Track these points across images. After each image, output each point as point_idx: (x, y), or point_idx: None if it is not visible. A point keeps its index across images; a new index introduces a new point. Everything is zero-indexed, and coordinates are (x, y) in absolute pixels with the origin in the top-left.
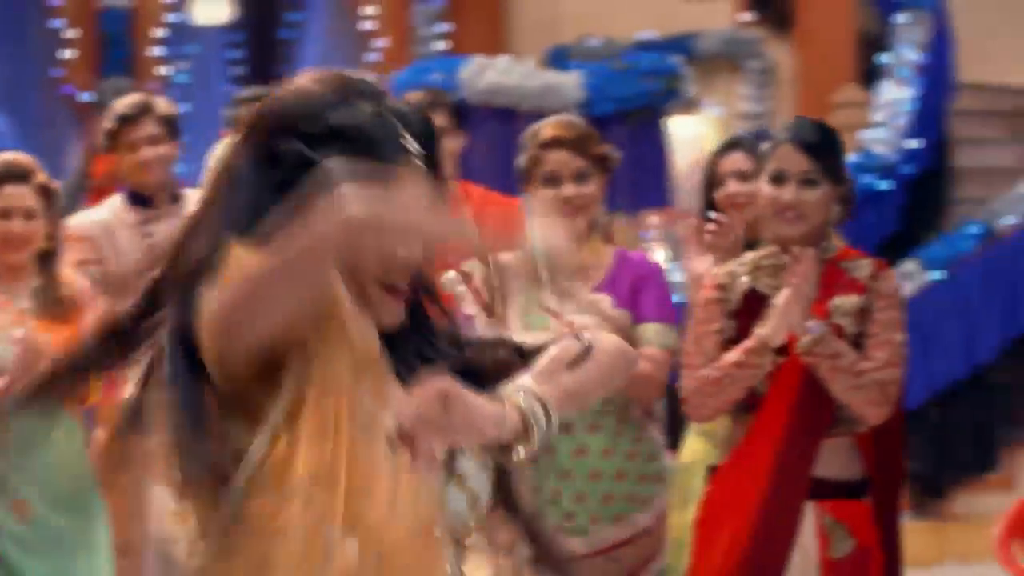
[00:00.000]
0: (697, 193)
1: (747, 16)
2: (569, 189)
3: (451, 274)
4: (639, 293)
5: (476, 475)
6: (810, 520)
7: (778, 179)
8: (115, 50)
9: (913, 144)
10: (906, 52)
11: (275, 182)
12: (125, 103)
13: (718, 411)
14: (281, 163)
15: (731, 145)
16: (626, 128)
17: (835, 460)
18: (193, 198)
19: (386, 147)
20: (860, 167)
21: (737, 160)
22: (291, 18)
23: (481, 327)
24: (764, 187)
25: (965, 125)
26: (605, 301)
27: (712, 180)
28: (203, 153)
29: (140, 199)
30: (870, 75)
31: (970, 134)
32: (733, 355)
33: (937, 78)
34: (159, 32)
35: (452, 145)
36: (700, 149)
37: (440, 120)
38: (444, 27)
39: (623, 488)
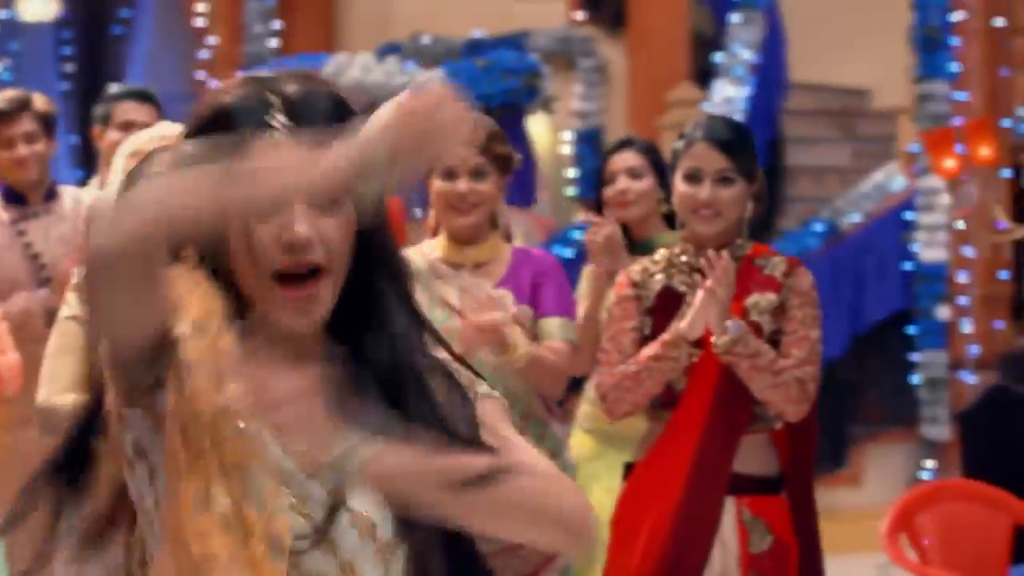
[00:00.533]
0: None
1: (580, 15)
2: (463, 185)
3: None
4: (540, 288)
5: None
6: (730, 515)
7: (693, 177)
8: None
9: None
10: (740, 51)
11: None
12: (2, 98)
13: (636, 407)
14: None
15: (623, 144)
16: None
17: (753, 456)
18: (69, 195)
19: (247, 123)
20: None
21: (628, 158)
22: (122, 15)
23: None
24: (679, 186)
25: (796, 124)
26: (508, 297)
27: (603, 178)
28: None
29: (15, 197)
30: (704, 74)
31: (802, 133)
32: (649, 349)
33: (770, 77)
34: None
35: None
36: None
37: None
38: (276, 24)
39: None
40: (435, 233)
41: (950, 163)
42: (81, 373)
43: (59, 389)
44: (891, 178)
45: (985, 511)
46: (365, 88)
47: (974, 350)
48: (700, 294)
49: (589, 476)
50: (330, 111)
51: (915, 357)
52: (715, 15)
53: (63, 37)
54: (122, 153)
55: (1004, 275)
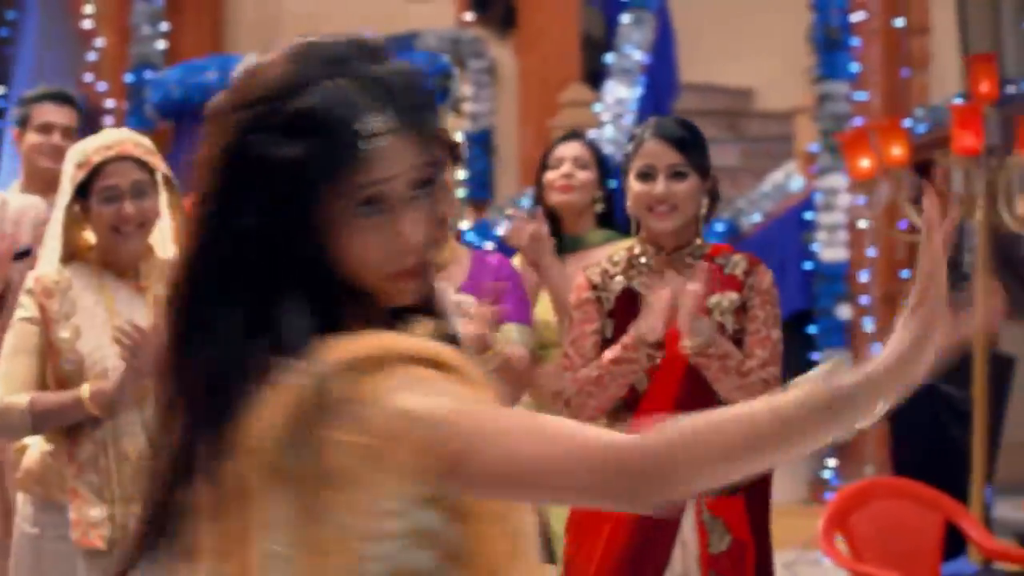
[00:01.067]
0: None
1: (469, 16)
2: None
3: None
4: (499, 296)
5: None
6: (689, 515)
7: (646, 175)
8: None
9: None
10: (631, 52)
11: (263, 201)
12: None
13: (600, 411)
14: (256, 172)
15: (571, 136)
16: None
17: None
18: None
19: (349, 128)
20: None
21: (575, 147)
22: (7, 16)
23: None
24: (633, 186)
25: None
26: (469, 301)
27: (545, 164)
28: None
29: None
30: (595, 75)
31: None
32: (611, 352)
33: (661, 78)
34: None
35: None
36: None
37: None
38: (164, 26)
39: None
40: None
41: (865, 163)
42: (37, 374)
43: (13, 389)
44: (789, 178)
45: (917, 509)
46: None
47: (876, 349)
48: (658, 295)
49: None
50: (426, 100)
51: (816, 356)
52: (605, 16)
53: None
54: (70, 161)
55: (905, 274)
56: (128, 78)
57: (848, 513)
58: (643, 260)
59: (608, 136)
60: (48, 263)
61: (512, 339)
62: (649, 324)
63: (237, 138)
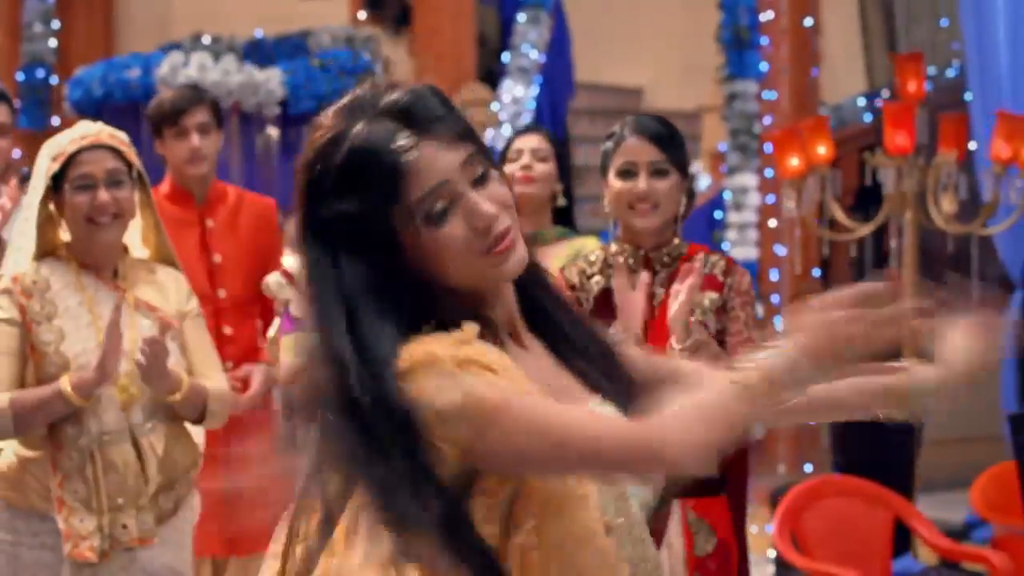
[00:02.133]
0: None
1: (362, 15)
2: None
3: (275, 276)
4: None
5: None
6: (675, 518)
7: (627, 173)
8: None
9: None
10: (528, 51)
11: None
12: None
13: None
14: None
15: (531, 128)
16: None
17: None
18: None
19: (383, 156)
20: None
21: (535, 139)
22: None
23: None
24: (614, 184)
25: (577, 124)
26: None
27: (505, 156)
28: None
29: None
30: (490, 74)
31: (581, 132)
32: None
33: (557, 77)
34: None
35: (213, 143)
36: None
37: (201, 117)
38: (55, 24)
39: None
40: None
41: (795, 162)
42: (17, 376)
43: None
44: (697, 177)
45: (866, 506)
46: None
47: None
48: (628, 298)
49: None
50: (439, 106)
51: None
52: (500, 15)
53: None
54: (43, 155)
55: (816, 273)
56: (19, 76)
57: (800, 511)
58: (621, 259)
59: (506, 135)
60: (22, 261)
61: None
62: (625, 327)
63: (306, 210)
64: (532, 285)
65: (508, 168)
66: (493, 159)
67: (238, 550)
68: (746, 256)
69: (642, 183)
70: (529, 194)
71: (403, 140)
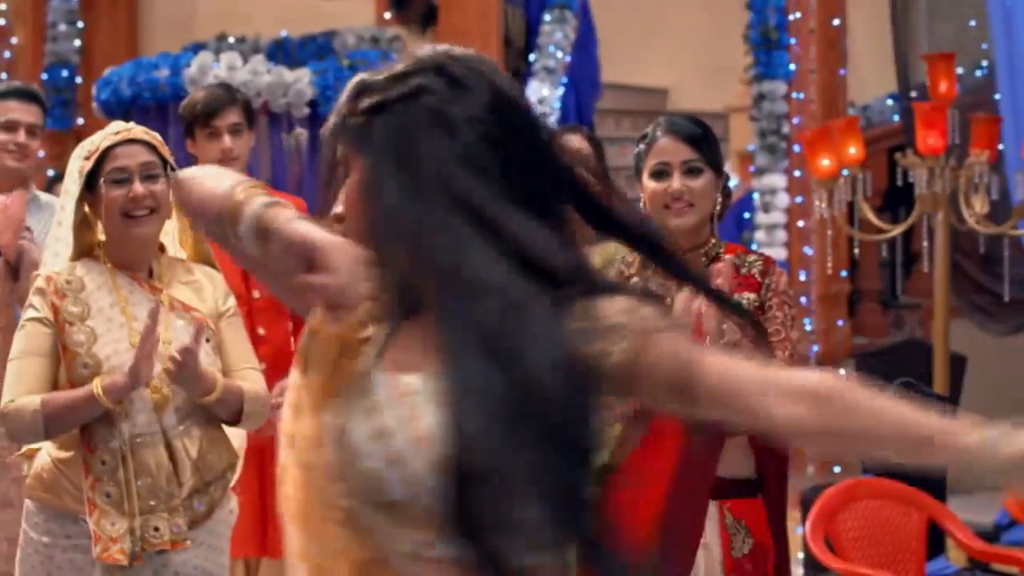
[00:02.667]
0: None
1: (388, 15)
2: None
3: None
4: None
5: None
6: (713, 519)
7: (661, 173)
8: None
9: None
10: (554, 51)
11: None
12: None
13: (618, 412)
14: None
15: (573, 128)
16: None
17: (732, 459)
18: None
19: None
20: None
21: (575, 140)
22: None
23: None
24: (648, 184)
25: (602, 124)
26: None
27: None
28: None
29: None
30: (516, 75)
31: (606, 133)
32: None
33: (584, 77)
34: None
35: (245, 143)
36: None
37: (233, 117)
38: (79, 24)
39: None
40: None
41: (826, 162)
42: (50, 377)
43: (25, 392)
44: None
45: (900, 508)
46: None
47: (815, 349)
48: (680, 299)
49: None
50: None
51: None
52: (525, 16)
53: None
54: (76, 156)
55: (844, 273)
56: (44, 76)
57: (834, 513)
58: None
59: None
60: (57, 262)
61: None
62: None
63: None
64: None
65: None
66: None
67: (271, 551)
68: (775, 257)
69: (676, 182)
70: None
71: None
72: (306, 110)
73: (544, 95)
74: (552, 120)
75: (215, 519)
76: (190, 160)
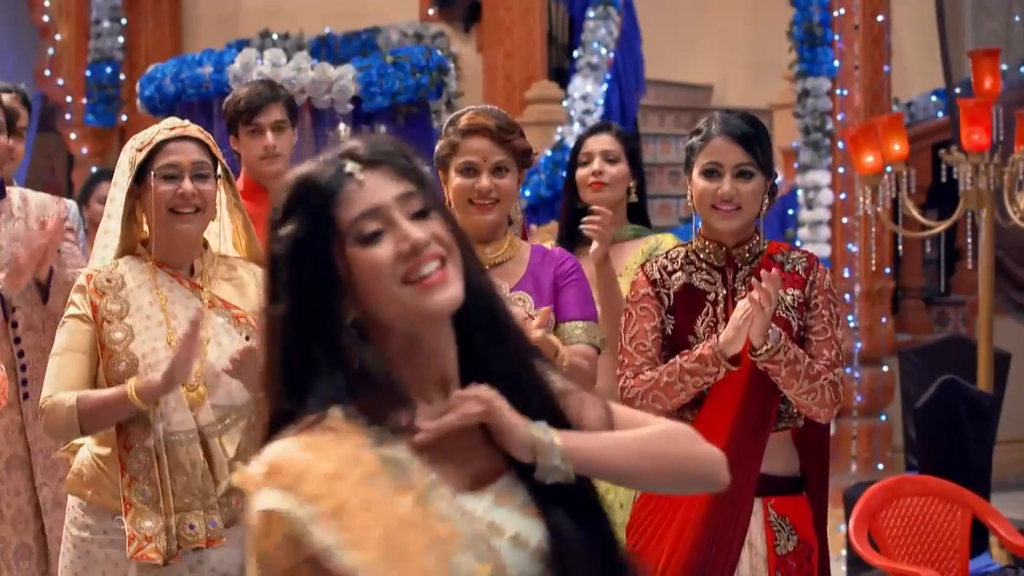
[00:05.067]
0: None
1: (432, 11)
2: (485, 180)
3: None
4: (562, 291)
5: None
6: (757, 516)
7: (712, 173)
8: None
9: None
10: (597, 48)
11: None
12: None
13: (664, 413)
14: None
15: (600, 127)
16: (396, 122)
17: (776, 456)
18: (16, 193)
19: (329, 179)
20: (556, 163)
21: (605, 141)
22: None
23: None
24: (697, 182)
25: (646, 120)
26: (527, 301)
27: (576, 159)
28: None
29: None
30: (558, 72)
31: (650, 129)
32: (687, 363)
33: (627, 74)
34: None
35: (287, 140)
36: None
37: (276, 115)
38: (122, 21)
39: None
40: None
41: (871, 159)
42: (88, 374)
43: (62, 388)
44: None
45: (944, 505)
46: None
47: (858, 345)
48: (738, 309)
49: None
50: (389, 146)
51: None
52: (569, 12)
53: None
54: (128, 148)
55: (888, 270)
56: (87, 73)
57: (877, 510)
58: (703, 256)
59: (574, 132)
60: (107, 254)
61: (576, 337)
62: (730, 337)
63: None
64: (482, 334)
65: (580, 173)
66: (439, 203)
67: None
68: (818, 253)
69: (726, 185)
70: (602, 199)
71: (349, 167)
72: (349, 106)
73: (588, 91)
74: (596, 116)
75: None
76: (233, 157)
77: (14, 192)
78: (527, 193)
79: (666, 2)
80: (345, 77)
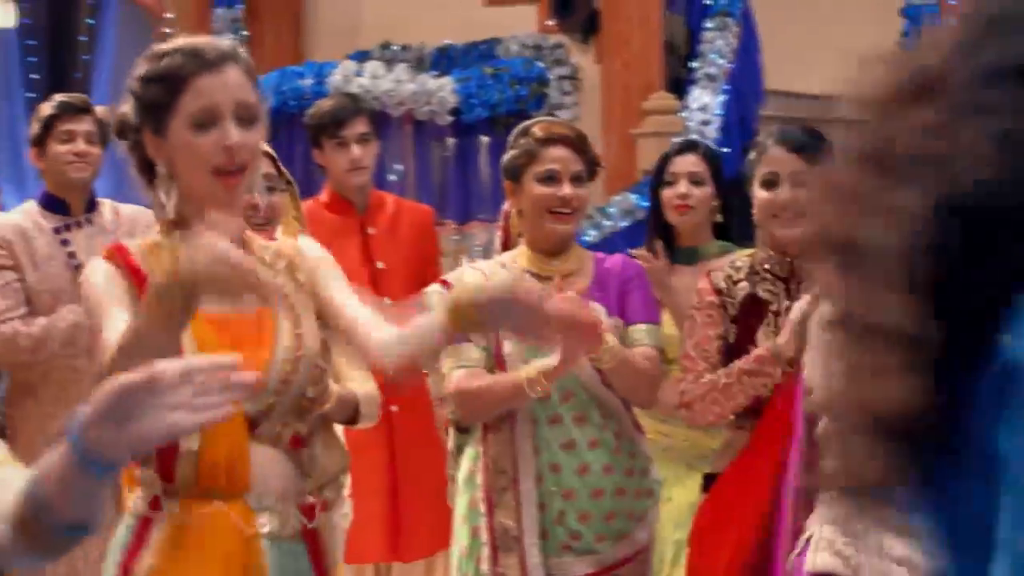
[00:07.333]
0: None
1: (551, 23)
2: (567, 189)
3: (435, 287)
4: (626, 296)
5: None
6: None
7: (770, 183)
8: None
9: (724, 151)
10: (715, 59)
11: None
12: (65, 96)
13: (722, 417)
14: None
15: (687, 146)
16: (496, 134)
17: None
18: (108, 207)
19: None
20: None
21: (691, 162)
22: (86, 22)
23: (474, 339)
24: (758, 193)
25: (766, 131)
26: (598, 310)
27: (662, 177)
28: None
29: (56, 204)
30: (676, 82)
31: None
32: (744, 364)
33: (746, 84)
34: None
35: (371, 152)
36: None
37: (360, 127)
38: (243, 33)
39: (623, 505)
40: (506, 245)
41: None
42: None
43: None
44: None
45: None
46: (375, 95)
47: None
48: (794, 310)
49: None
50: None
51: None
52: (687, 23)
53: (27, 45)
54: None
55: None
56: None
57: None
58: (767, 266)
59: None
60: None
61: (639, 340)
62: (787, 339)
63: None
64: None
65: (665, 193)
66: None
67: (402, 556)
68: None
69: (784, 193)
70: (686, 221)
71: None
72: (449, 118)
73: (705, 102)
74: (714, 127)
75: (327, 522)
76: (317, 169)
77: (105, 205)
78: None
79: (785, 12)
80: (444, 89)
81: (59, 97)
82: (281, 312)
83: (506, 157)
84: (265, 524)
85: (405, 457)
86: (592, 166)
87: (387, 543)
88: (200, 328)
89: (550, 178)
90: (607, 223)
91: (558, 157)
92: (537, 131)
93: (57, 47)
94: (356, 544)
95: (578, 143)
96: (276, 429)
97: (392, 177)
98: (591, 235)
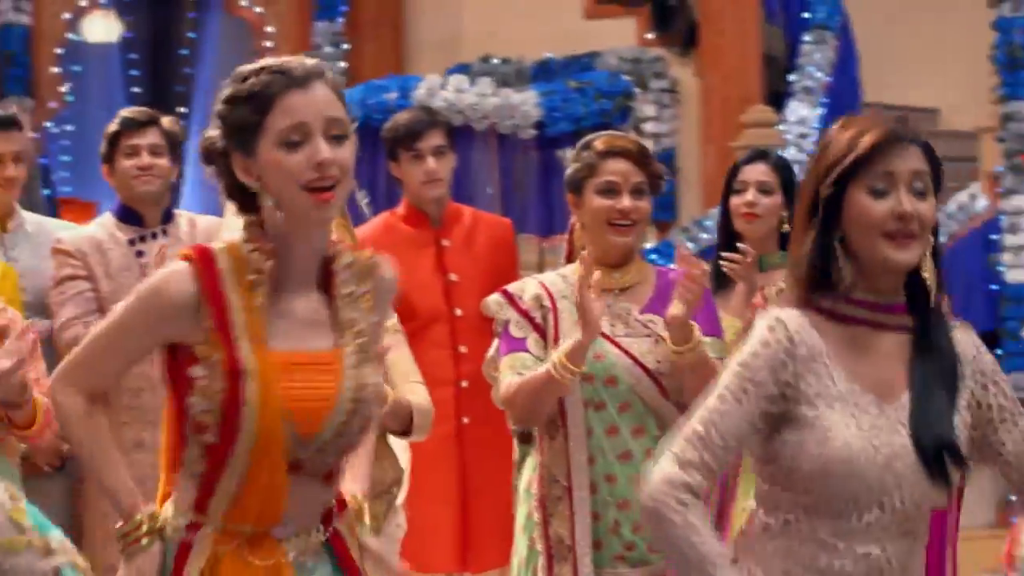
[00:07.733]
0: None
1: (650, 36)
2: (627, 201)
3: (495, 296)
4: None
5: None
6: None
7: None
8: (14, 68)
9: None
10: (813, 72)
11: None
12: (132, 110)
13: None
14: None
15: (757, 156)
16: None
17: None
18: (185, 218)
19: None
20: None
21: (760, 171)
22: (189, 36)
23: (531, 349)
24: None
25: None
26: (657, 323)
27: (731, 185)
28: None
29: (132, 216)
30: (775, 95)
31: None
32: None
33: (844, 98)
34: (58, 50)
35: (447, 165)
36: None
37: (436, 140)
38: (344, 46)
39: None
40: (570, 258)
41: None
42: None
43: None
44: (975, 199)
45: None
46: (459, 109)
47: None
48: None
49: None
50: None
51: None
52: (786, 36)
53: (130, 58)
54: None
55: None
56: None
57: None
58: None
59: (791, 156)
60: None
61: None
62: None
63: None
64: None
65: (734, 201)
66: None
67: (472, 566)
68: (1021, 279)
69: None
70: (753, 229)
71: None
72: (533, 132)
73: (803, 115)
74: (812, 140)
75: (381, 533)
76: (394, 181)
77: (182, 216)
78: None
79: (884, 27)
80: (528, 103)
81: (123, 112)
82: (349, 352)
83: (568, 170)
84: (291, 551)
85: (476, 468)
86: (655, 179)
87: (456, 553)
88: (267, 368)
89: (610, 190)
90: (704, 236)
91: (618, 170)
92: (598, 144)
93: (159, 61)
94: (425, 553)
95: (639, 156)
96: (316, 467)
97: (489, 190)
98: (690, 247)
